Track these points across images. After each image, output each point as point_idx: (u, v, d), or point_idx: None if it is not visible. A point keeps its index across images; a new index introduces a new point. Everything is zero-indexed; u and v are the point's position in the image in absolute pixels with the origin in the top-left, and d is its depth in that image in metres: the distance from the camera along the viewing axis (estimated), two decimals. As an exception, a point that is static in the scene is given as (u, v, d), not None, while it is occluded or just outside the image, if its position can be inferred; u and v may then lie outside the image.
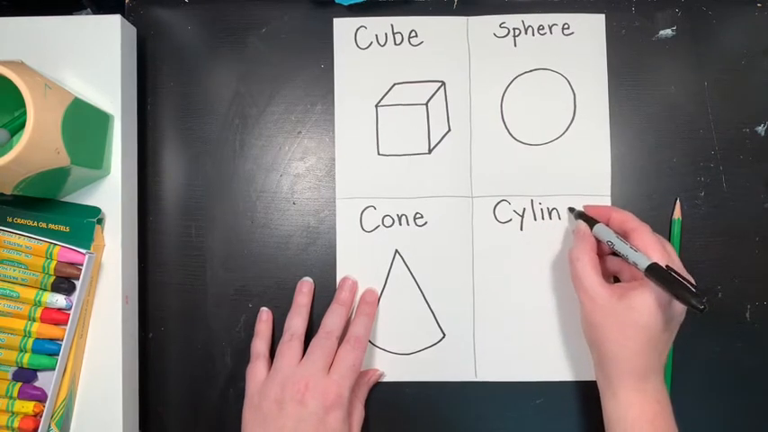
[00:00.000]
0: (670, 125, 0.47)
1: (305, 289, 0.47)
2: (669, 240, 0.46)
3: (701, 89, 0.48)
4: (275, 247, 0.48)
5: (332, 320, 0.44)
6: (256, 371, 0.44)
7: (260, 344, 0.45)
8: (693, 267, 0.46)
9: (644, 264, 0.38)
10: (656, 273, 0.38)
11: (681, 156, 0.47)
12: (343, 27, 0.48)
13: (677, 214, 0.47)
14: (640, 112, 0.48)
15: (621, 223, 0.42)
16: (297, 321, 0.45)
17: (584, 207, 0.46)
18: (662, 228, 0.47)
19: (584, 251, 0.42)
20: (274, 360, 0.43)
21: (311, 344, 0.43)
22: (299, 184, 0.48)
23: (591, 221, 0.44)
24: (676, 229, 0.46)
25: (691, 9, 0.48)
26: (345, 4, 0.47)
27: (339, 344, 0.44)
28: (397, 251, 0.47)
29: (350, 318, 0.46)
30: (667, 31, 0.48)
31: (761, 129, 0.47)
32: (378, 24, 0.48)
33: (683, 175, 0.47)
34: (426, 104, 0.47)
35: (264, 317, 0.47)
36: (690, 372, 0.46)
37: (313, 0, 0.48)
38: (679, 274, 0.37)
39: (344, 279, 0.47)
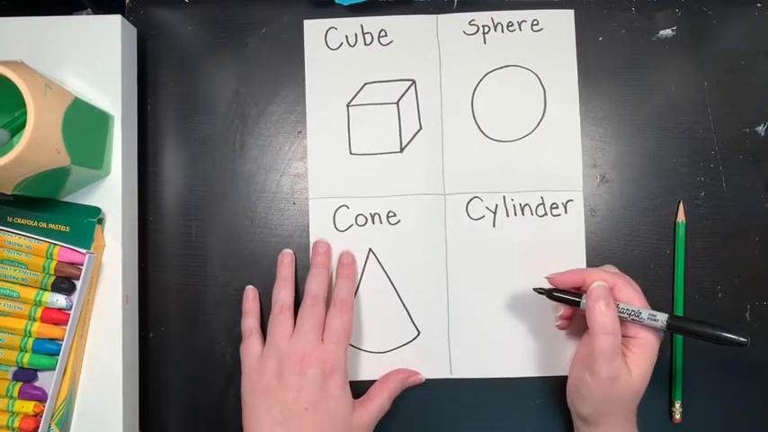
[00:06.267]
0: (670, 125, 0.47)
1: (286, 260, 0.47)
2: (673, 243, 0.47)
3: (701, 89, 0.48)
4: (275, 247, 0.48)
5: (316, 285, 0.44)
6: (251, 347, 0.44)
7: (250, 321, 0.45)
8: (694, 267, 0.47)
9: (663, 319, 0.39)
10: (679, 324, 0.39)
11: (681, 156, 0.47)
12: (313, 28, 0.48)
13: (681, 217, 0.47)
14: (640, 112, 0.48)
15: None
16: (283, 293, 0.45)
17: (552, 280, 0.42)
18: (662, 229, 0.47)
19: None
20: (267, 334, 0.43)
21: (300, 313, 0.43)
22: (299, 184, 0.48)
23: (569, 297, 0.42)
24: (680, 233, 0.46)
25: (691, 9, 0.48)
26: (345, 4, 0.47)
27: (327, 307, 0.44)
28: (370, 250, 0.48)
29: (331, 281, 0.46)
30: (667, 31, 0.48)
31: (761, 129, 0.47)
32: (347, 25, 0.48)
33: (683, 175, 0.47)
34: (397, 103, 0.48)
35: (251, 295, 0.47)
36: (690, 372, 0.46)
37: (313, 0, 0.48)
38: (702, 322, 0.39)
39: (317, 242, 0.47)
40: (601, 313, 0.39)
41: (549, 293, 0.43)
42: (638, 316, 0.39)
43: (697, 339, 0.39)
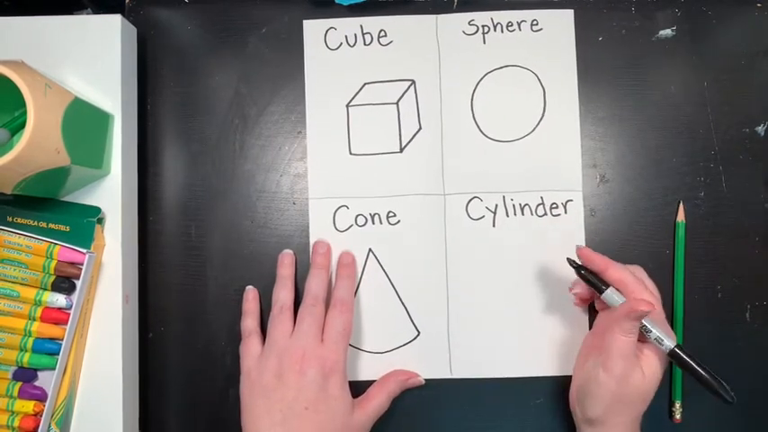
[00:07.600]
0: (670, 125, 0.47)
1: (286, 261, 0.47)
2: (673, 243, 0.47)
3: (701, 89, 0.48)
4: (275, 247, 0.48)
5: (316, 285, 0.44)
6: (251, 346, 0.44)
7: (250, 321, 0.46)
8: (693, 267, 0.47)
9: (669, 345, 0.39)
10: (680, 358, 0.39)
11: (681, 156, 0.47)
12: (312, 28, 0.48)
13: (681, 217, 0.47)
14: (640, 112, 0.48)
15: (618, 282, 0.41)
16: (284, 293, 0.45)
17: (581, 251, 0.42)
18: (662, 229, 0.47)
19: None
20: (267, 333, 0.44)
21: (300, 313, 0.43)
22: (298, 184, 0.48)
23: (595, 281, 0.41)
24: (680, 232, 0.46)
25: (691, 9, 0.48)
26: (345, 4, 0.47)
27: (327, 307, 0.44)
28: (370, 250, 0.48)
29: (331, 281, 0.46)
30: (667, 31, 0.48)
31: (761, 129, 0.47)
32: (347, 25, 0.48)
33: (683, 175, 0.47)
34: (397, 103, 0.48)
35: (251, 296, 0.47)
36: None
37: (313, 0, 0.48)
38: (701, 365, 0.39)
39: (317, 243, 0.47)
40: (631, 322, 0.39)
41: (578, 269, 0.42)
42: (647, 332, 0.40)
43: (691, 376, 0.40)
